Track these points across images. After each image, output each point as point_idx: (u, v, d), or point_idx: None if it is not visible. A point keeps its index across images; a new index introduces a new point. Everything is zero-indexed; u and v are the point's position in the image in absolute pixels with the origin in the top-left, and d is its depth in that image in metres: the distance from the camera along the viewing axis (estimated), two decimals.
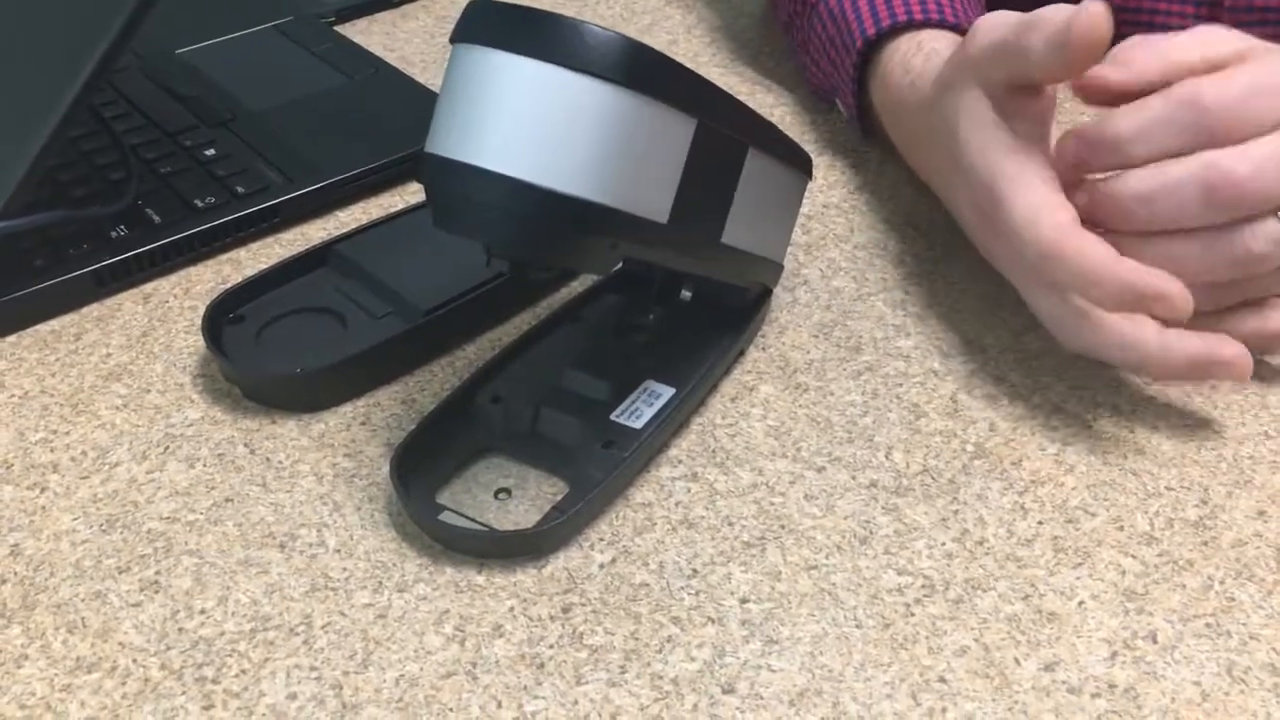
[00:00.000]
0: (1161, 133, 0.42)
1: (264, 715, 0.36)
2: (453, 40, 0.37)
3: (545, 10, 0.35)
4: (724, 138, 0.41)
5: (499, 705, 0.36)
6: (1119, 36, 0.44)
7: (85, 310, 0.52)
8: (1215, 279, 0.43)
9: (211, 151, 0.59)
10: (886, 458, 0.45)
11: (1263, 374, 0.48)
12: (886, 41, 0.57)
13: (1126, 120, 0.42)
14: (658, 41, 0.72)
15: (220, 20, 0.71)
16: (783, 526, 0.42)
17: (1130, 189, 0.42)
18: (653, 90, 0.36)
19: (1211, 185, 0.41)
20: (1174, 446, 0.45)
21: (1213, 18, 0.57)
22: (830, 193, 0.59)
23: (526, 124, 0.35)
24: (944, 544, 0.41)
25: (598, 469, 0.43)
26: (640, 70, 0.36)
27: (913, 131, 0.55)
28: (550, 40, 0.35)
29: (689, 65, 0.38)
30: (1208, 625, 0.38)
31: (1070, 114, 0.61)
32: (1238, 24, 0.56)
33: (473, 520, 0.42)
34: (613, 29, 0.36)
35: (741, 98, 0.63)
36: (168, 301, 0.53)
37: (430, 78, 0.68)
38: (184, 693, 0.37)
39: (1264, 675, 0.37)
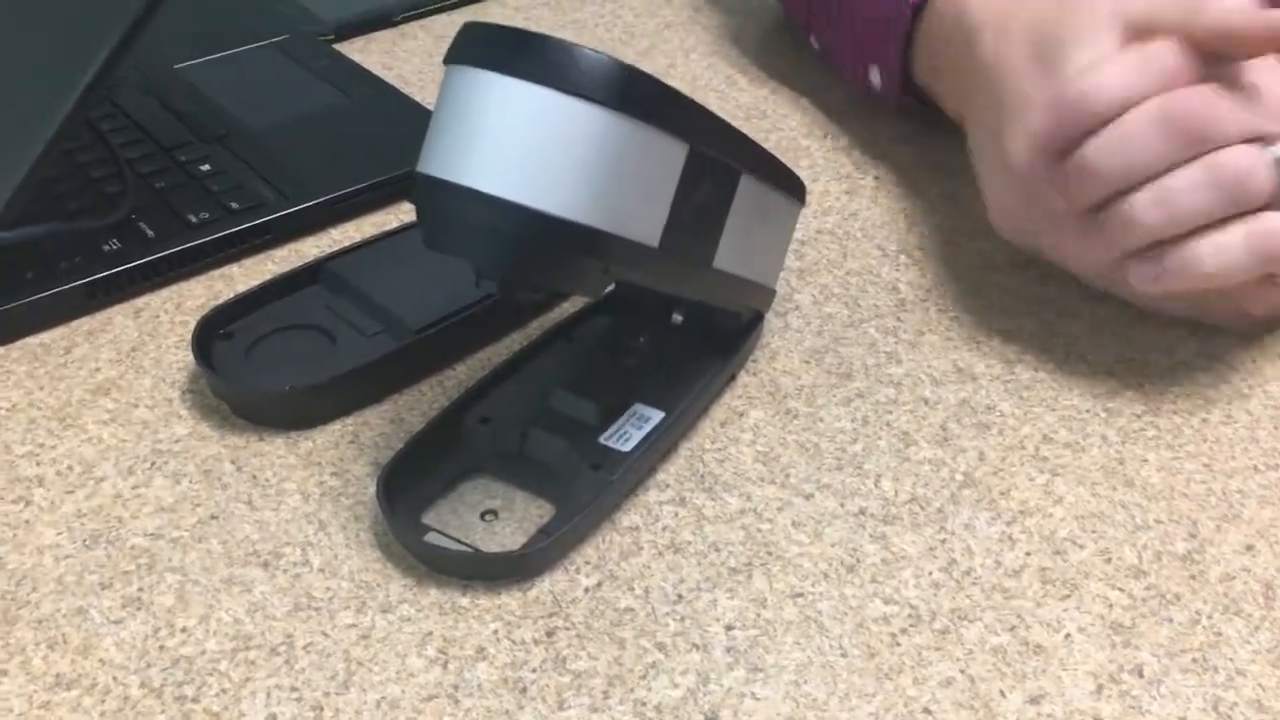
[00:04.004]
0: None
1: None
2: (446, 61, 0.37)
3: (539, 33, 0.36)
4: (717, 163, 0.41)
5: None
6: None
7: (75, 323, 0.52)
8: (1211, 214, 0.43)
9: (206, 167, 0.59)
10: (875, 485, 0.44)
11: (1250, 408, 0.48)
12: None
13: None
14: (655, 65, 0.73)
15: (219, 36, 0.72)
16: (770, 553, 0.42)
17: (1094, 148, 0.44)
18: (645, 115, 0.36)
19: (1170, 117, 0.43)
20: (1163, 480, 0.45)
21: None
22: (824, 218, 0.59)
23: (518, 146, 0.35)
24: (931, 573, 0.41)
25: (585, 492, 0.42)
26: (633, 94, 0.36)
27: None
28: (543, 63, 0.35)
29: (686, 90, 0.38)
30: (1194, 660, 0.38)
31: None
32: None
33: (458, 541, 0.41)
34: (608, 52, 0.36)
35: (737, 122, 0.64)
36: (158, 316, 0.53)
37: (428, 97, 0.68)
38: (163, 711, 0.37)
39: (1250, 712, 0.37)
